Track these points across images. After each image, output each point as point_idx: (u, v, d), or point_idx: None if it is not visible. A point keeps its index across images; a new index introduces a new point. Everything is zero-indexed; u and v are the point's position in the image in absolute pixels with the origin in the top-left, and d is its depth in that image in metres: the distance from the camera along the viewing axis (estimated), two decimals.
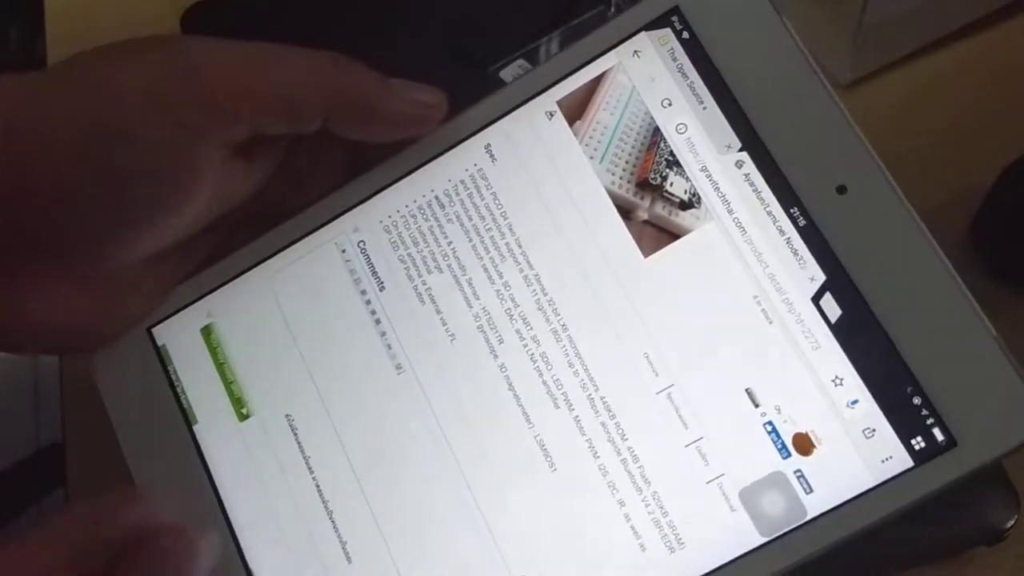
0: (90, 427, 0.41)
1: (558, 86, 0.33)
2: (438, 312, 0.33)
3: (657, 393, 0.31)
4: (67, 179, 0.30)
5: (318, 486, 0.33)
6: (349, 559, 0.32)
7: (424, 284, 0.33)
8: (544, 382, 0.32)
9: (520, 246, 0.33)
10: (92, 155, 0.30)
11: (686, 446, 0.31)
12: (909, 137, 0.43)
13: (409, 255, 0.33)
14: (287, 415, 0.34)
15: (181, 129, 0.30)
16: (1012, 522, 0.37)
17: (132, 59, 0.31)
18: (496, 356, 0.32)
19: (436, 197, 0.33)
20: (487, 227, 0.33)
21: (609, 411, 0.31)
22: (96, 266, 0.32)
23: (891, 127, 0.40)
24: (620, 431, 0.31)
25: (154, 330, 0.35)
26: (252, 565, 0.33)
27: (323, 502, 0.33)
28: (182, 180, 0.31)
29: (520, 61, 0.40)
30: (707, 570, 0.30)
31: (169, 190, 0.31)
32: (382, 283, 0.34)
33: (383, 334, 0.33)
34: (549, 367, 0.32)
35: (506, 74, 0.35)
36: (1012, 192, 0.40)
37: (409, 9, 0.43)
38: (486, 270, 0.33)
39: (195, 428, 0.34)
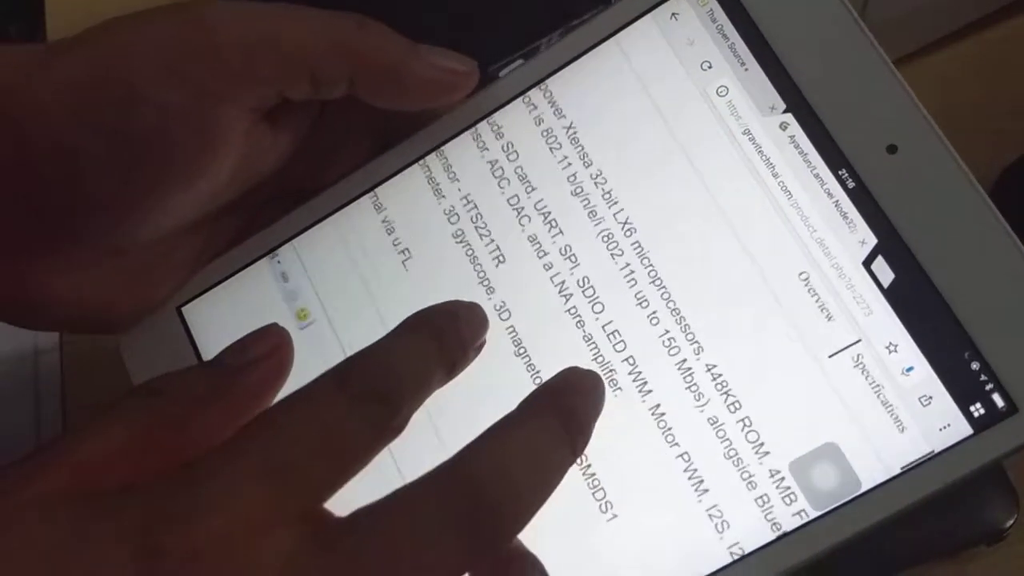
0: None
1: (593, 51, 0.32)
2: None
3: (708, 367, 0.30)
4: (73, 147, 0.29)
5: (398, 468, 0.32)
6: None
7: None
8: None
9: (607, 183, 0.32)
10: (101, 120, 0.29)
11: (737, 421, 0.30)
12: None
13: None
14: None
15: (198, 93, 0.29)
16: (1012, 522, 0.37)
17: (145, 24, 0.30)
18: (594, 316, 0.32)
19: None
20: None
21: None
22: (116, 238, 0.31)
23: None
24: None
25: (184, 309, 0.35)
26: None
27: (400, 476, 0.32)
28: (202, 147, 0.30)
29: (520, 61, 0.40)
30: (760, 545, 0.29)
31: (188, 156, 0.30)
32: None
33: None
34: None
35: (506, 74, 0.34)
36: (1012, 192, 0.40)
37: (409, 9, 0.43)
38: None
39: None
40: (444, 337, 0.27)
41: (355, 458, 0.24)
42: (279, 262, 0.34)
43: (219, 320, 0.35)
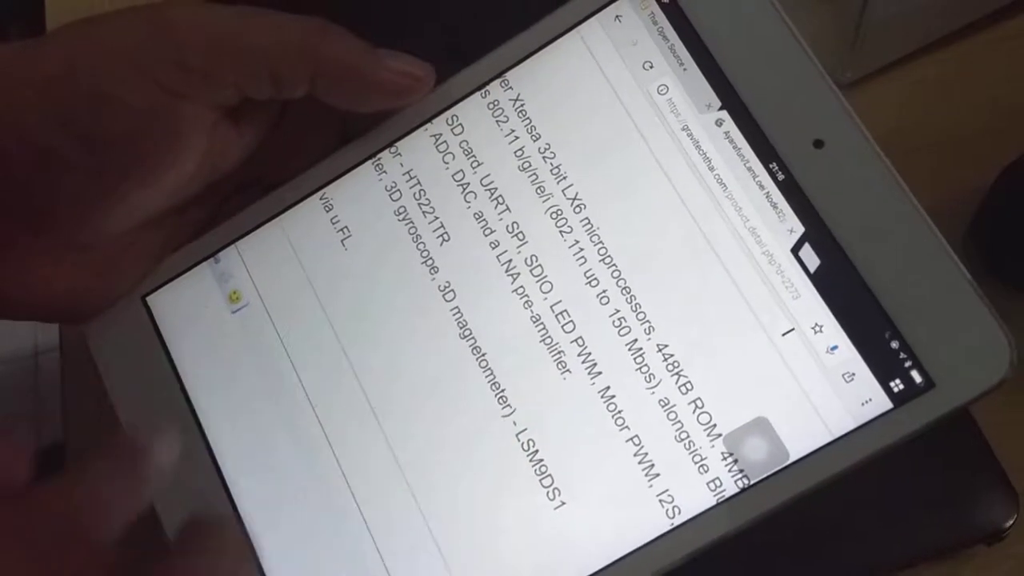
0: (91, 427, 0.42)
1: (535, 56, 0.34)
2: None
3: (645, 343, 0.32)
4: (41, 144, 0.30)
5: (334, 453, 0.34)
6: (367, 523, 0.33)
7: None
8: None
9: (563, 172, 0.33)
10: (68, 119, 0.30)
11: (689, 402, 0.31)
12: (908, 137, 0.43)
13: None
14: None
15: (163, 92, 0.31)
16: (1011, 521, 0.37)
17: (110, 25, 0.31)
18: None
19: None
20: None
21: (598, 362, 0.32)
22: (84, 233, 0.33)
23: (890, 127, 0.41)
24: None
25: (148, 298, 0.36)
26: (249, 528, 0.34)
27: (337, 463, 0.33)
28: (167, 144, 0.32)
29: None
30: (695, 514, 0.31)
31: (154, 154, 0.32)
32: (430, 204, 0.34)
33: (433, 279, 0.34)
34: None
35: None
36: (1011, 192, 0.41)
37: (408, 9, 0.44)
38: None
39: (191, 395, 0.35)
40: None
41: None
42: (240, 258, 0.36)
43: (182, 308, 0.36)
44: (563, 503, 0.32)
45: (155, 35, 0.31)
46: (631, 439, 0.31)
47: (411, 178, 0.34)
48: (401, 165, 0.34)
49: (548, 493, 0.32)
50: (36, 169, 0.31)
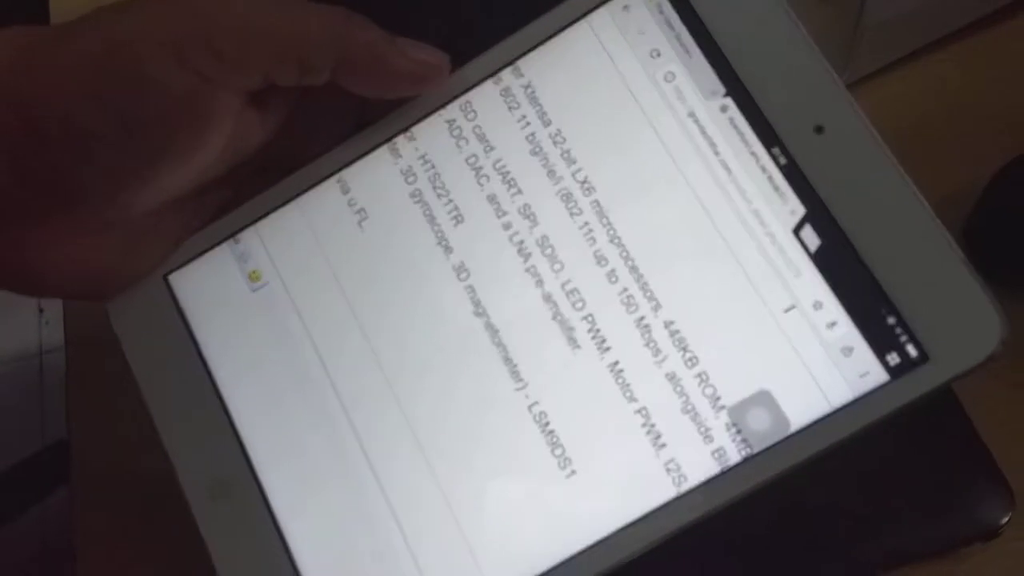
0: (96, 424, 0.42)
1: (546, 44, 0.35)
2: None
3: (653, 319, 0.33)
4: (78, 123, 0.31)
5: (352, 425, 0.35)
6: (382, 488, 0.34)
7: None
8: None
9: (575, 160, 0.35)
10: (104, 100, 0.31)
11: (695, 375, 0.33)
12: (908, 137, 0.43)
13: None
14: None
15: (194, 76, 0.32)
16: (1007, 519, 0.38)
17: (147, 11, 0.32)
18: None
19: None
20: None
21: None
22: (112, 211, 0.34)
23: (890, 127, 0.42)
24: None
25: (170, 277, 0.37)
26: (273, 502, 0.35)
27: (355, 434, 0.35)
28: (197, 127, 0.33)
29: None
30: (700, 482, 0.32)
31: (184, 136, 0.33)
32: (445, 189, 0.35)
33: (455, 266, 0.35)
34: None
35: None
36: (1009, 192, 0.41)
37: (408, 9, 0.45)
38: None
39: (212, 370, 0.36)
40: None
41: None
42: (240, 239, 0.37)
43: (203, 287, 0.37)
44: (574, 471, 0.33)
45: (189, 21, 0.32)
46: (639, 411, 0.33)
47: (426, 162, 0.36)
48: (416, 149, 0.36)
49: (559, 463, 0.33)
50: (72, 148, 0.32)
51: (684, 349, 0.33)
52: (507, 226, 0.34)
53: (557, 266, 0.34)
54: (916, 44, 0.45)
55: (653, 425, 0.33)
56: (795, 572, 0.39)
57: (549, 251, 0.34)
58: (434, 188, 0.35)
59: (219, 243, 0.37)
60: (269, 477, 0.35)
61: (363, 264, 0.36)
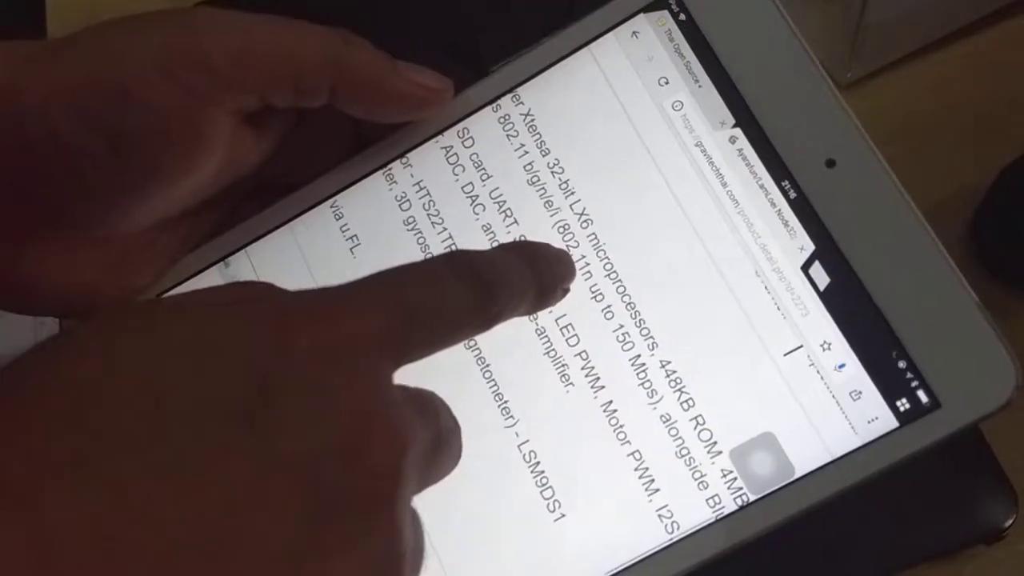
0: None
1: (559, 65, 0.34)
2: None
3: (648, 358, 0.32)
4: (70, 142, 0.31)
5: None
6: None
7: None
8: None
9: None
10: (96, 118, 0.31)
11: (690, 419, 0.31)
12: (909, 137, 0.44)
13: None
14: None
15: (187, 95, 0.31)
16: (1011, 521, 0.38)
17: (137, 28, 0.31)
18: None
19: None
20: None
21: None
22: (104, 229, 0.33)
23: (891, 127, 0.41)
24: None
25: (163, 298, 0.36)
26: None
27: None
28: (190, 146, 0.32)
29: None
30: (700, 526, 0.31)
31: (176, 156, 0.32)
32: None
33: None
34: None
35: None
36: (1011, 192, 0.41)
37: (408, 9, 0.44)
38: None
39: None
40: (540, 267, 0.29)
41: (449, 325, 0.26)
42: (254, 264, 0.36)
43: None
44: (563, 515, 0.32)
45: (182, 39, 0.31)
46: (632, 454, 0.32)
47: (421, 188, 0.35)
48: (411, 176, 0.35)
49: (548, 505, 0.32)
50: (61, 164, 0.31)
51: (680, 390, 0.32)
52: None
53: None
54: (917, 44, 0.45)
55: (646, 469, 0.31)
56: (797, 573, 0.38)
57: None
58: (428, 216, 0.34)
59: (209, 266, 0.36)
60: None
61: None
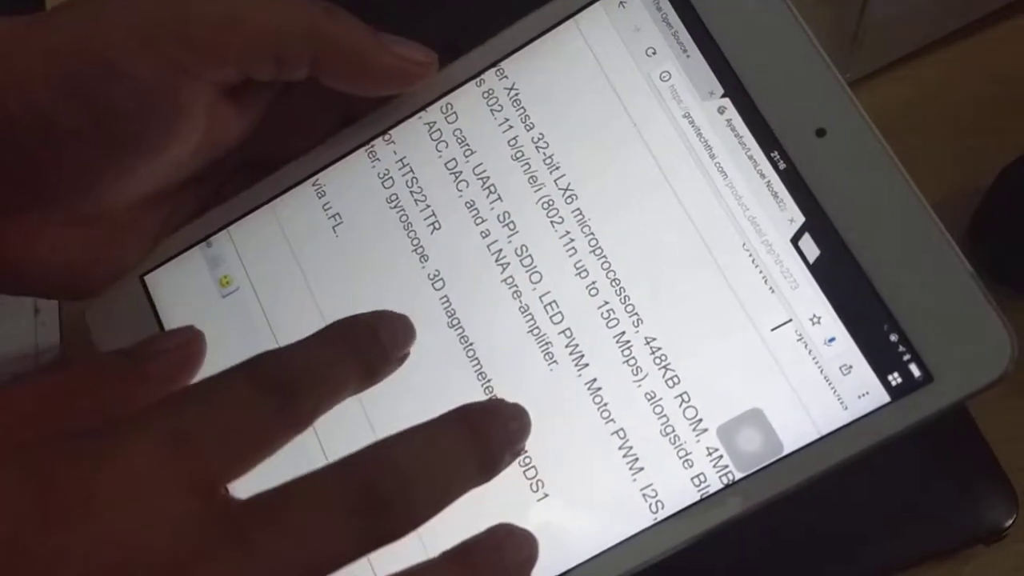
0: None
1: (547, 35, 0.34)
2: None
3: (633, 335, 0.31)
4: (50, 114, 0.30)
5: (318, 438, 0.33)
6: None
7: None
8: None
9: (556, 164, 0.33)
10: (77, 90, 0.30)
11: (675, 396, 0.31)
12: (909, 137, 0.43)
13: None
14: None
15: (169, 66, 0.31)
16: (1011, 521, 0.37)
17: (120, 0, 0.31)
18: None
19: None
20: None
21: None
22: (87, 204, 0.33)
23: (891, 127, 0.41)
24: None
25: (146, 278, 0.36)
26: None
27: (321, 447, 0.33)
28: (171, 118, 0.32)
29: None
30: (688, 504, 0.30)
31: (157, 128, 0.32)
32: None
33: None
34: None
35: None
36: (1011, 192, 0.40)
37: (407, 9, 0.44)
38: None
39: None
40: (360, 346, 0.28)
41: (254, 442, 0.25)
42: (237, 241, 0.35)
43: (179, 289, 0.36)
44: (546, 495, 0.31)
45: (164, 12, 0.31)
46: (616, 432, 0.31)
47: (404, 166, 0.34)
48: (394, 153, 0.34)
49: (531, 485, 0.31)
50: (42, 138, 0.31)
51: (665, 367, 0.31)
52: (485, 234, 0.33)
53: (536, 276, 0.32)
54: (917, 44, 0.45)
55: (631, 447, 0.31)
56: (797, 573, 0.38)
57: (528, 261, 0.32)
58: (411, 193, 0.34)
59: (191, 246, 0.36)
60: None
61: (336, 271, 0.34)
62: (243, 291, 0.35)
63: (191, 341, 0.31)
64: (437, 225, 0.33)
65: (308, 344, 0.27)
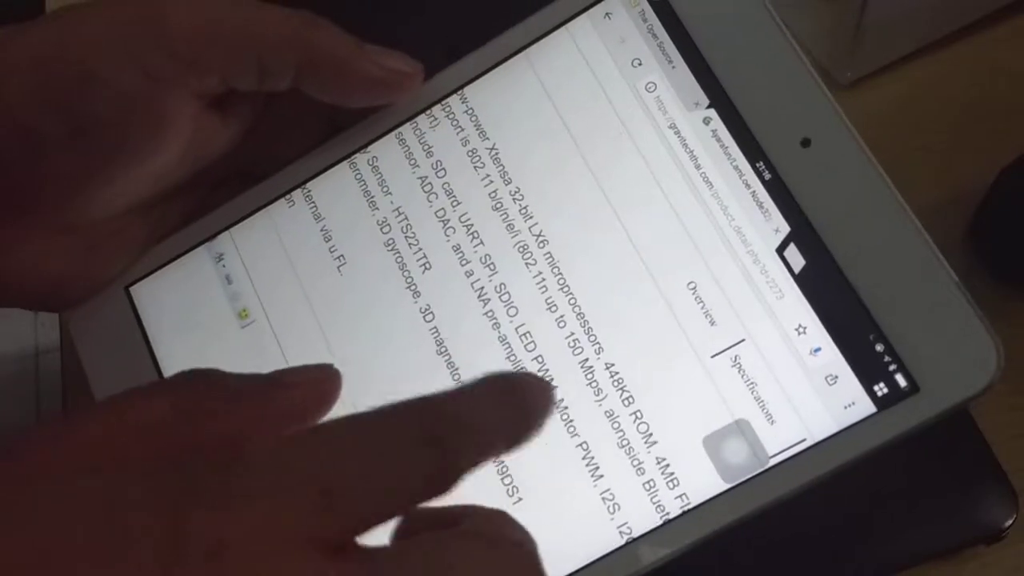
0: None
1: (532, 48, 0.34)
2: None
3: (607, 365, 0.32)
4: (30, 123, 0.30)
5: None
6: None
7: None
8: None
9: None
10: (57, 99, 0.30)
11: (630, 414, 0.31)
12: (909, 137, 0.44)
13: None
14: None
15: (149, 77, 0.31)
16: (1011, 521, 0.37)
17: (101, 11, 0.31)
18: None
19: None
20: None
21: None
22: (69, 215, 0.33)
23: (891, 127, 0.41)
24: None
25: (131, 289, 0.36)
26: None
27: None
28: (152, 128, 0.31)
29: None
30: (673, 516, 0.30)
31: (139, 137, 0.32)
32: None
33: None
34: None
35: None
36: (1010, 192, 0.40)
37: (407, 9, 0.44)
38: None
39: None
40: (520, 408, 0.25)
41: (402, 500, 0.23)
42: (222, 255, 0.36)
43: (164, 301, 0.36)
44: (521, 499, 0.32)
45: (144, 21, 0.31)
46: (580, 445, 0.31)
47: (400, 214, 0.34)
48: (391, 203, 0.35)
49: (508, 490, 0.32)
50: (22, 148, 0.31)
51: (622, 389, 0.31)
52: (469, 273, 0.33)
53: (512, 311, 0.33)
54: (917, 44, 0.45)
55: (592, 458, 0.31)
56: (798, 573, 0.38)
57: (506, 297, 0.33)
58: (406, 239, 0.34)
59: (179, 256, 0.36)
60: None
61: (335, 303, 0.35)
62: (234, 301, 0.35)
63: (330, 378, 0.27)
64: (428, 266, 0.34)
65: (474, 397, 0.25)
